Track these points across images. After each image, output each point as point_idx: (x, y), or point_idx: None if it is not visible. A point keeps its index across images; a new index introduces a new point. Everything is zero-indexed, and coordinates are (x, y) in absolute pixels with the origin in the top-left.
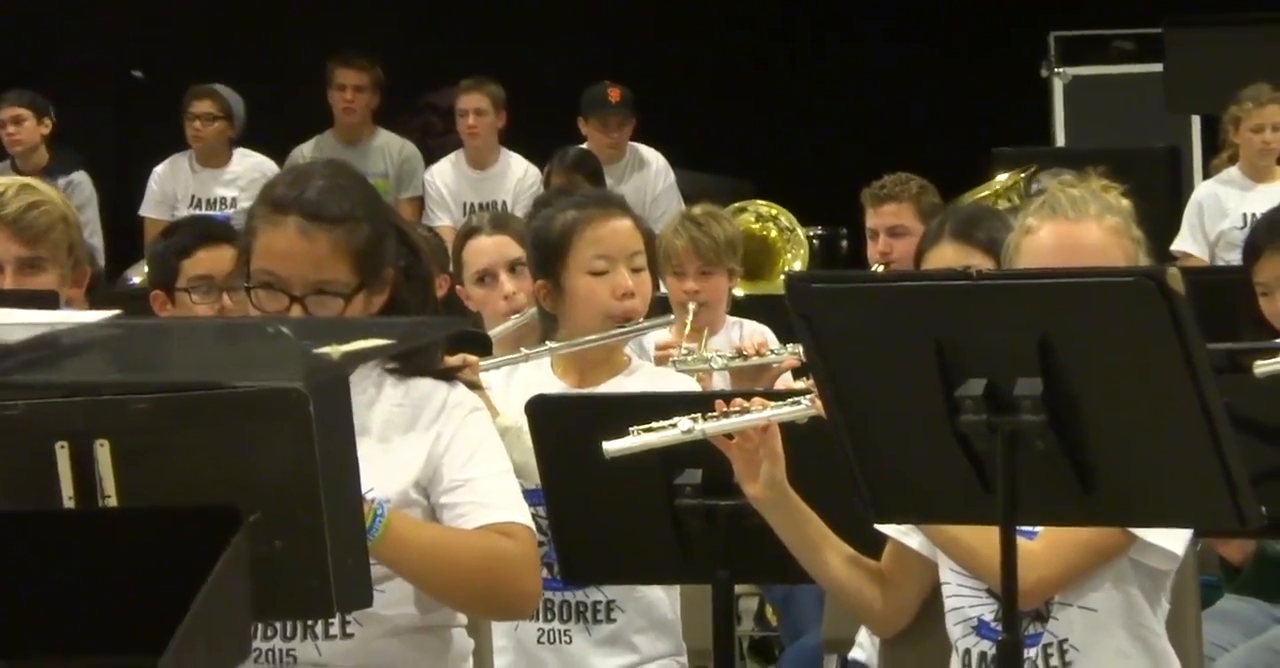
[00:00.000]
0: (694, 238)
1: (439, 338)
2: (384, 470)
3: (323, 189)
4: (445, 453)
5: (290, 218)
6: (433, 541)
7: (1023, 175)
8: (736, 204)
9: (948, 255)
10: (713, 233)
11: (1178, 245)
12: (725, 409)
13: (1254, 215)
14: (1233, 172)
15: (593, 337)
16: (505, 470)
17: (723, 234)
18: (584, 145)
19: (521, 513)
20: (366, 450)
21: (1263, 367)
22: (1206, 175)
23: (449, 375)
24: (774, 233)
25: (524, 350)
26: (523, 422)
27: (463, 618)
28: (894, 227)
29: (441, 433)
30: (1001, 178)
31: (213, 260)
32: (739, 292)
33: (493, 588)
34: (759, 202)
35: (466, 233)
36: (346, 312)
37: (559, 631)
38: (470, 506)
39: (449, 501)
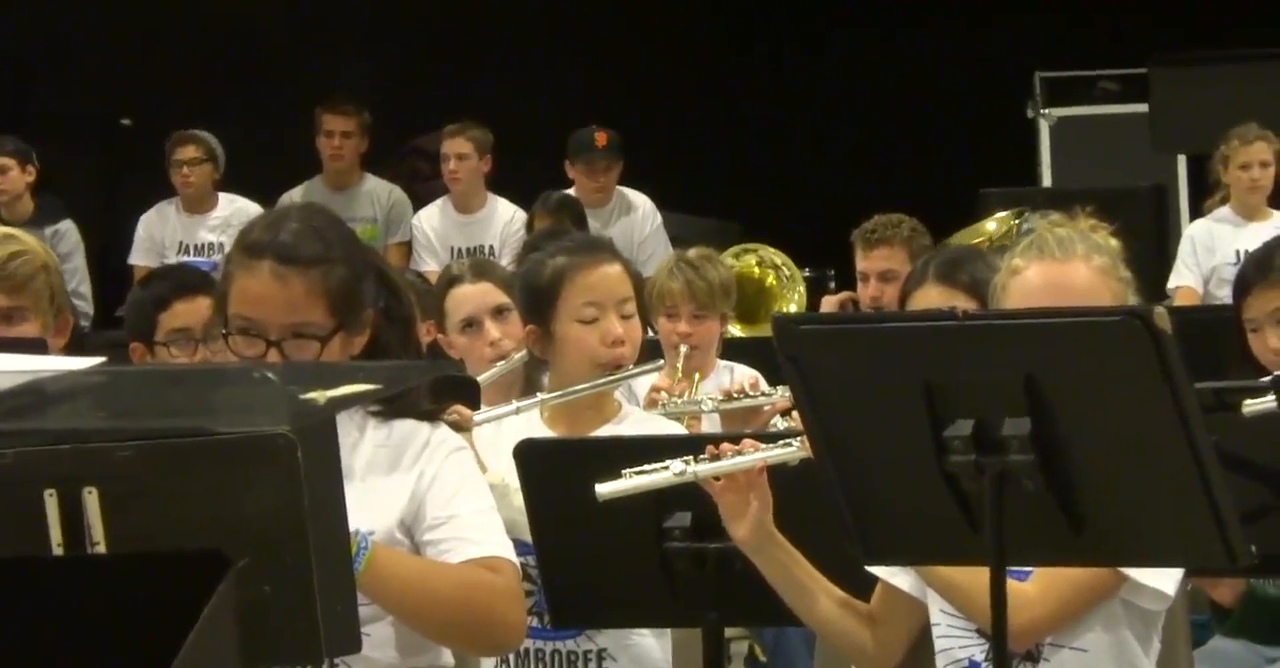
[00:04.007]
0: (689, 281)
1: (422, 381)
2: (368, 512)
3: (296, 232)
4: (429, 490)
5: (264, 262)
6: (417, 573)
7: (1015, 222)
8: (743, 246)
9: (932, 297)
10: (708, 277)
11: (1174, 281)
12: (716, 452)
13: (1246, 253)
14: (1225, 211)
15: (582, 385)
16: (489, 508)
17: (718, 278)
18: (570, 190)
19: (505, 548)
20: (350, 492)
21: (1251, 406)
22: (1193, 214)
23: (432, 416)
24: (771, 278)
25: (515, 403)
26: (510, 478)
27: (450, 659)
28: (885, 271)
29: (424, 471)
30: (990, 226)
31: (190, 313)
32: (736, 331)
33: (477, 621)
34: (767, 248)
35: (448, 282)
36: (324, 354)
37: None
38: (454, 541)
39: (432, 537)
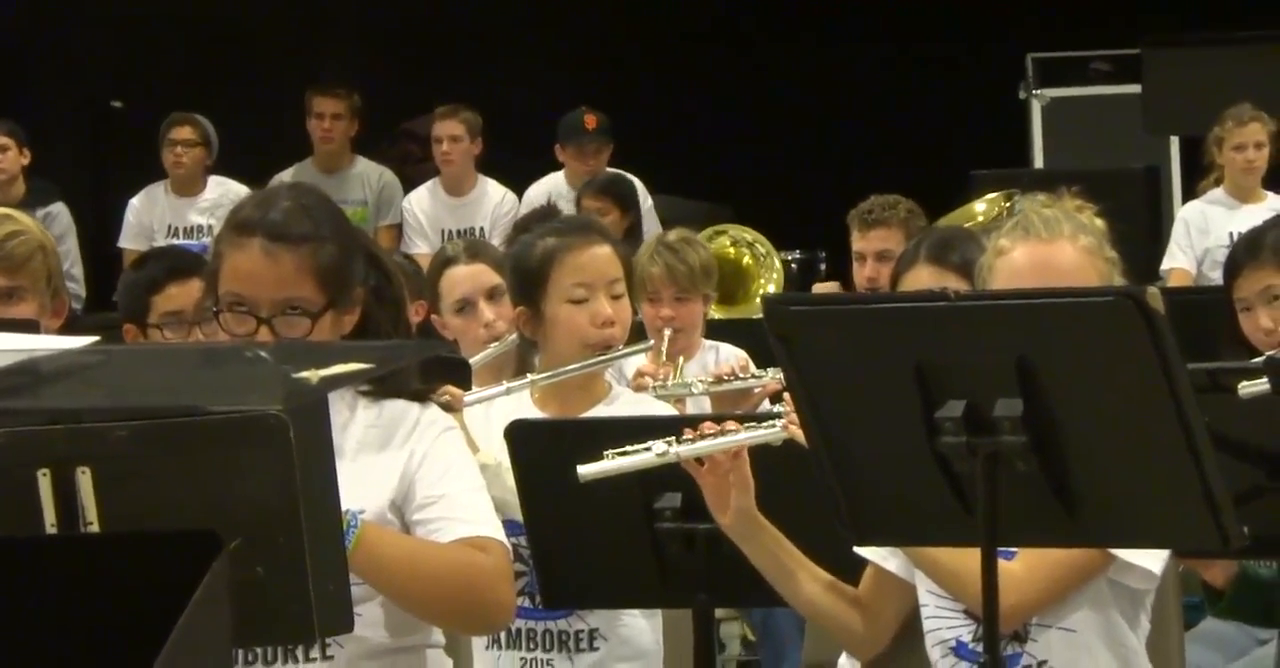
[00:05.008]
0: (669, 264)
1: (414, 360)
2: (359, 491)
3: (287, 210)
4: (419, 469)
5: (255, 239)
6: (407, 552)
7: (1005, 204)
8: (713, 228)
9: (923, 278)
10: (688, 259)
11: (1168, 263)
12: (700, 432)
13: (1239, 235)
14: (1218, 192)
15: (573, 366)
16: (479, 487)
17: (698, 260)
18: (560, 172)
19: (495, 528)
20: (341, 472)
21: (1247, 388)
22: (1186, 196)
23: (422, 396)
24: (748, 258)
25: (505, 384)
26: (502, 458)
27: (440, 638)
28: (882, 251)
29: (415, 450)
30: (980, 207)
31: (183, 295)
32: (714, 314)
33: (467, 600)
34: (736, 226)
35: (443, 263)
36: (315, 331)
37: (541, 660)
38: (444, 520)
39: (422, 517)
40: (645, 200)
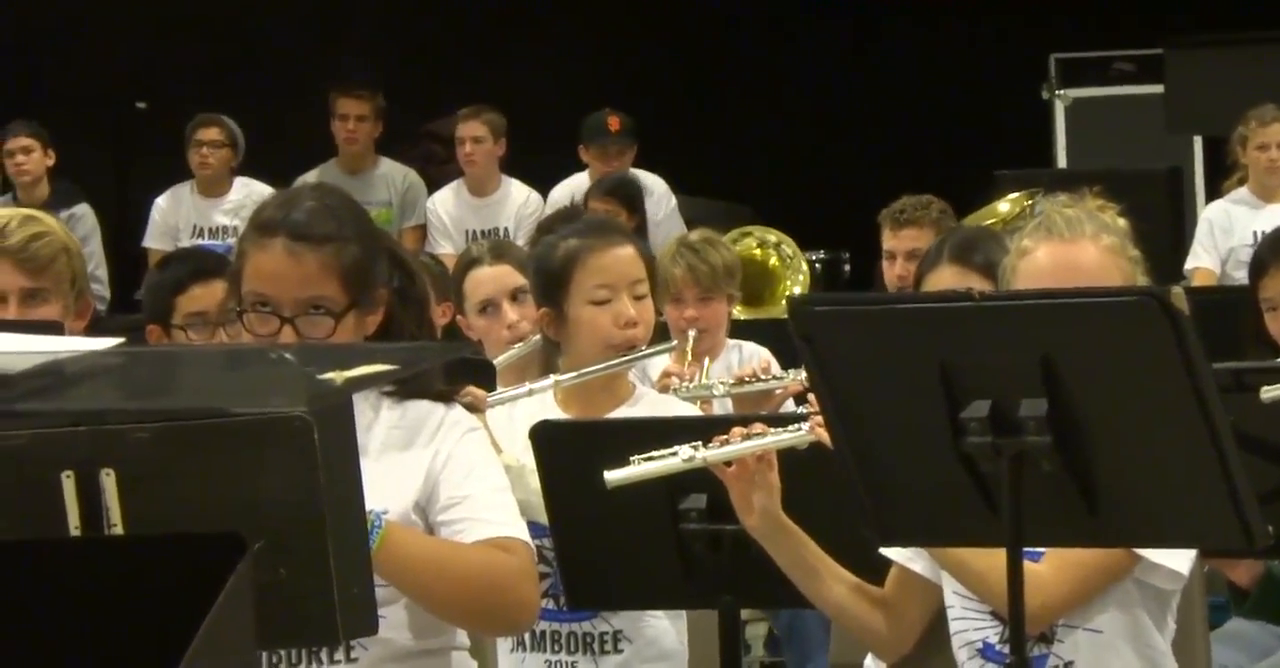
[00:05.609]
0: (691, 265)
1: (438, 362)
2: (383, 492)
3: (310, 210)
4: (443, 470)
5: (278, 239)
6: (431, 553)
7: (1028, 203)
8: (740, 229)
9: (946, 278)
10: (710, 260)
11: (1191, 263)
12: (726, 437)
13: (1264, 234)
14: (1242, 192)
15: (596, 367)
16: (503, 487)
17: (720, 260)
18: (584, 173)
19: (519, 529)
20: (365, 473)
21: (1269, 393)
22: (1209, 196)
23: (446, 397)
24: (774, 259)
25: (528, 385)
26: (526, 460)
27: (465, 640)
28: (913, 250)
29: (439, 450)
30: (1003, 208)
31: (207, 296)
32: (740, 315)
33: (491, 601)
34: (762, 228)
35: (467, 264)
36: (338, 331)
37: (566, 663)
38: (468, 521)
39: (446, 518)
40: (669, 201)
